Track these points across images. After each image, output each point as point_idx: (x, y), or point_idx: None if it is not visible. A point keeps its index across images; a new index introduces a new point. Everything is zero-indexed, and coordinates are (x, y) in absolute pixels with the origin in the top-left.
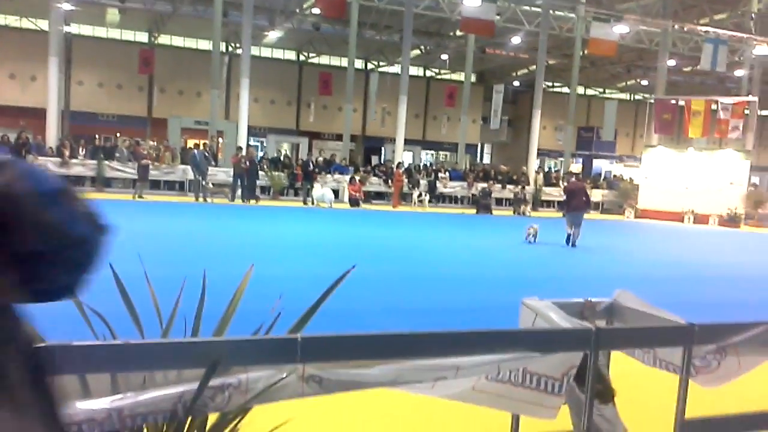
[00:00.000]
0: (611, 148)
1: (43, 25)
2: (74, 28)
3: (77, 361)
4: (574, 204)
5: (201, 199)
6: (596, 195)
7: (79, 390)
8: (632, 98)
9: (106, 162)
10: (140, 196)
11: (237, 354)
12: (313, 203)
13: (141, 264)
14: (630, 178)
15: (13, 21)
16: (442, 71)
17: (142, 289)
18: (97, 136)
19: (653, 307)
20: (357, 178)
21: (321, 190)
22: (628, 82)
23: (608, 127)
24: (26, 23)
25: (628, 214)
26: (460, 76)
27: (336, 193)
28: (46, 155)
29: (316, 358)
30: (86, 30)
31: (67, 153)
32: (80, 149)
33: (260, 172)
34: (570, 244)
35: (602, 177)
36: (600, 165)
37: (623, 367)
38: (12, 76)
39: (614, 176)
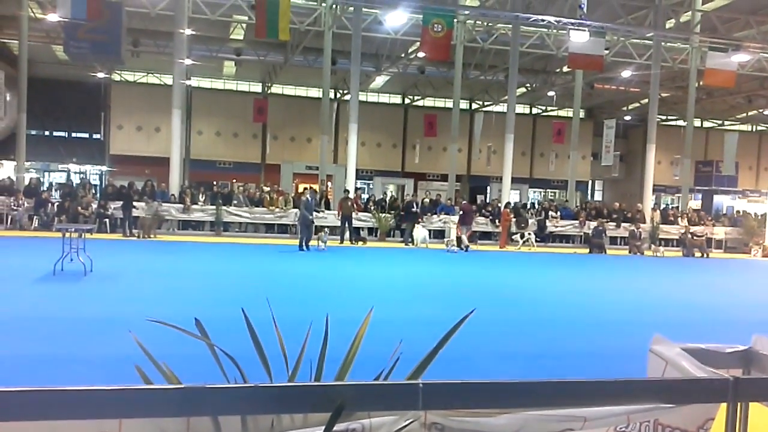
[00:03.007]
0: (733, 183)
1: (167, 80)
2: (194, 82)
3: (210, 403)
4: None
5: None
6: (718, 232)
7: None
8: (755, 129)
9: (224, 207)
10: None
11: (361, 398)
12: (413, 243)
13: (269, 307)
14: (756, 213)
15: (140, 77)
16: (549, 108)
17: (269, 331)
18: (214, 182)
19: None
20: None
21: (420, 231)
22: (750, 113)
23: (729, 160)
24: (152, 79)
25: (754, 253)
26: (567, 112)
27: (442, 233)
28: (169, 202)
29: (438, 405)
30: (205, 83)
31: (188, 200)
32: (200, 195)
33: (366, 214)
34: None
35: (723, 213)
36: (721, 200)
37: (762, 421)
38: (139, 128)
39: (737, 212)
